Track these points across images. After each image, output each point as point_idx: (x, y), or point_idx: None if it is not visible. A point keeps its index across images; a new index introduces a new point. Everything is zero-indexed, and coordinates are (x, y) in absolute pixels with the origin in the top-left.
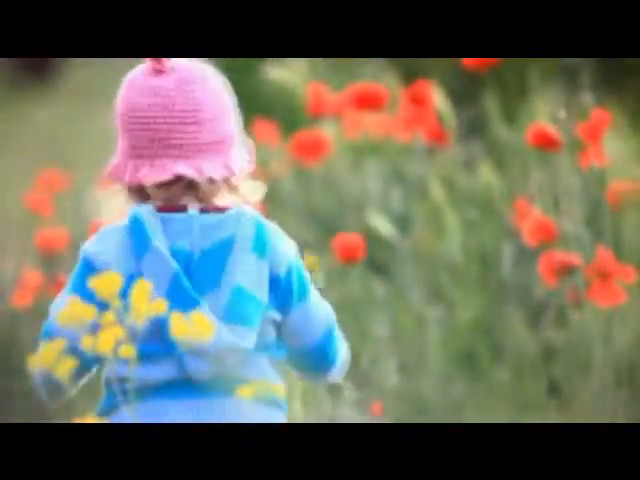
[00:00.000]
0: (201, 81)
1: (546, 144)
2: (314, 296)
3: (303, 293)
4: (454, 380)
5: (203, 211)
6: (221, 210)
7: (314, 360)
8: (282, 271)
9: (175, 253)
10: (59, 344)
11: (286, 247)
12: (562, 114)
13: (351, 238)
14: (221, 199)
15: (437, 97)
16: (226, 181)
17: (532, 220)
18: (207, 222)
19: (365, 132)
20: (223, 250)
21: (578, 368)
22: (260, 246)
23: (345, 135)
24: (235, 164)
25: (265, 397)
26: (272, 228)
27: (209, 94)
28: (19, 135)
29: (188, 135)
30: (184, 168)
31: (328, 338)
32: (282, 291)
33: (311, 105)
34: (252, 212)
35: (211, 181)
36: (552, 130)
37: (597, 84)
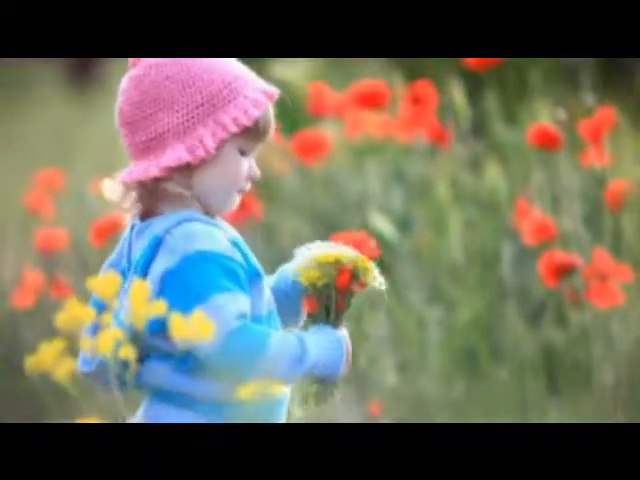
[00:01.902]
0: (125, 84)
1: (547, 143)
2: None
3: None
4: (454, 380)
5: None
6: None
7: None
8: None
9: None
10: (59, 344)
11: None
12: (562, 114)
13: (352, 236)
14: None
15: (453, 93)
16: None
17: (532, 220)
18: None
19: (366, 132)
20: None
21: (578, 368)
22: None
23: (346, 135)
24: (164, 162)
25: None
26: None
27: (127, 98)
28: (19, 135)
29: (125, 138)
30: (123, 172)
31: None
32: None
33: (312, 105)
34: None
35: (142, 184)
36: (553, 129)
37: (597, 84)
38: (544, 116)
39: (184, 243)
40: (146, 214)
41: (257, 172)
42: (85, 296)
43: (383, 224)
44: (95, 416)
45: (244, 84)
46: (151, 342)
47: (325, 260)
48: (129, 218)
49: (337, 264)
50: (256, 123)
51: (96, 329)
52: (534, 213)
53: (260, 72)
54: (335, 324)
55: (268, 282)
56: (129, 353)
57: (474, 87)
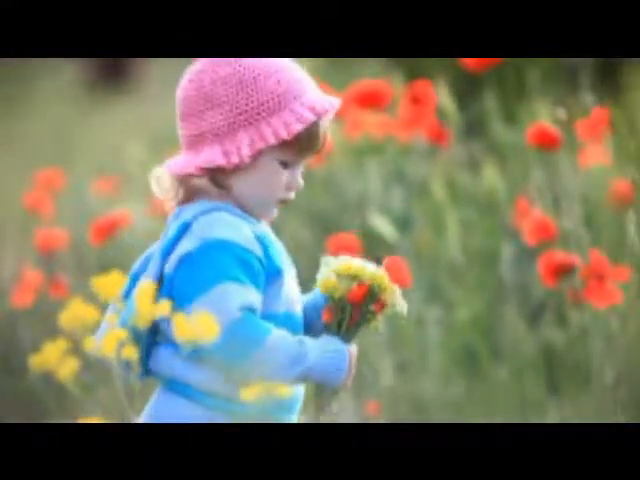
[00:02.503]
0: (186, 76)
1: (546, 143)
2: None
3: None
4: (453, 380)
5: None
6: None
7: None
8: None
9: None
10: (62, 344)
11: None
12: (561, 114)
13: (346, 238)
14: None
15: (442, 95)
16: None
17: (532, 220)
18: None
19: (366, 132)
20: None
21: (577, 368)
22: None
23: (346, 135)
24: (199, 161)
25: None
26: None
27: (184, 90)
28: (19, 135)
29: (179, 130)
30: (169, 161)
31: None
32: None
33: None
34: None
35: (182, 177)
36: (552, 129)
37: (597, 84)
38: (543, 116)
39: (206, 229)
40: (184, 204)
41: (300, 183)
42: (84, 296)
43: (383, 224)
44: (97, 416)
45: (295, 96)
46: (162, 326)
47: (344, 272)
48: (172, 206)
49: (355, 278)
50: (298, 137)
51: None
52: (534, 213)
53: None
54: (346, 338)
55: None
56: (132, 353)
57: (473, 87)
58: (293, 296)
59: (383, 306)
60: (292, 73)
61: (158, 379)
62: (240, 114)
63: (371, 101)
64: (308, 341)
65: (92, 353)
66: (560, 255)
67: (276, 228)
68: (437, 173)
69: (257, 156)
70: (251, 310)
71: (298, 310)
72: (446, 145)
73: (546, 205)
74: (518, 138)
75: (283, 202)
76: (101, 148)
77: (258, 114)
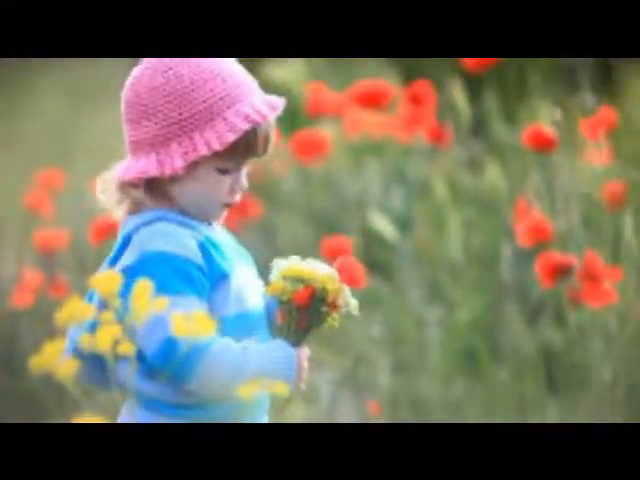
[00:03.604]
0: (129, 79)
1: (542, 145)
2: None
3: None
4: (453, 380)
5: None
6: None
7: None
8: None
9: None
10: (61, 344)
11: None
12: (558, 114)
13: (340, 240)
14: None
15: (453, 92)
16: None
17: (527, 221)
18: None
19: (366, 132)
20: None
21: (577, 368)
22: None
23: (346, 135)
24: (135, 169)
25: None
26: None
27: (125, 95)
28: (19, 134)
29: (124, 133)
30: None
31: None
32: None
33: (311, 105)
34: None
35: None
36: (547, 130)
37: (597, 84)
38: (543, 116)
39: (145, 242)
40: (132, 212)
41: (244, 185)
42: (84, 295)
43: (383, 224)
44: (96, 415)
45: (230, 104)
46: None
47: (289, 275)
48: (121, 215)
49: (302, 281)
50: (235, 146)
51: (93, 326)
52: (533, 213)
53: (260, 72)
54: (295, 341)
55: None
56: (129, 349)
57: (473, 87)
58: (246, 294)
59: (336, 307)
60: (231, 79)
61: (124, 392)
62: (174, 124)
63: (371, 101)
64: (253, 347)
65: (87, 350)
66: (556, 256)
67: (275, 228)
68: (438, 173)
69: (193, 166)
70: None
71: (254, 307)
72: (446, 145)
73: (545, 205)
74: (518, 138)
75: (228, 206)
76: (101, 148)
77: (192, 124)
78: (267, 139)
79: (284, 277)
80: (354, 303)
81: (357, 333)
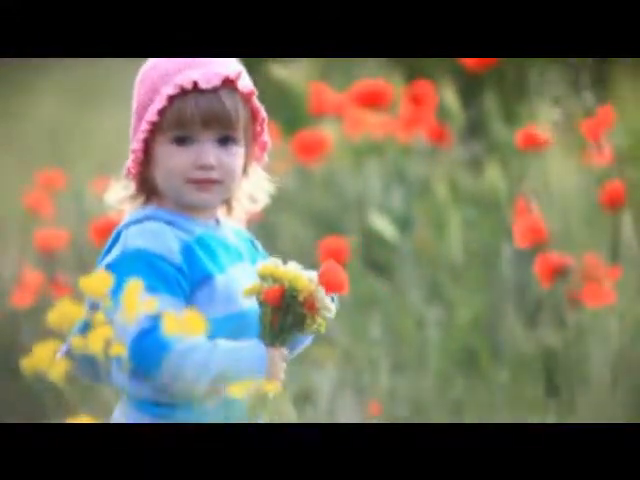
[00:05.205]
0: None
1: (534, 146)
2: None
3: None
4: (453, 380)
5: None
6: None
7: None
8: None
9: None
10: (53, 345)
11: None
12: (557, 115)
13: (337, 241)
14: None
15: (445, 95)
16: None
17: (524, 222)
18: None
19: (366, 132)
20: None
21: (577, 368)
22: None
23: (346, 135)
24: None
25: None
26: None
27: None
28: (18, 134)
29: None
30: None
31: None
32: None
33: (312, 104)
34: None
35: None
36: (540, 131)
37: (597, 84)
38: (543, 116)
39: (129, 239)
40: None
41: (210, 161)
42: (84, 296)
43: (383, 224)
44: (92, 416)
45: (167, 81)
46: None
47: (263, 274)
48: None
49: (276, 281)
50: (174, 112)
51: (85, 328)
52: (532, 214)
53: (260, 72)
54: (269, 341)
55: None
56: (121, 350)
57: (473, 87)
58: (238, 295)
59: (313, 309)
60: (180, 60)
61: (116, 390)
62: (134, 114)
63: (371, 101)
64: (223, 346)
65: (79, 351)
66: (554, 256)
67: (276, 228)
68: (438, 173)
69: (151, 148)
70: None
71: (248, 308)
72: (446, 145)
73: (544, 205)
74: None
75: (199, 182)
76: (101, 148)
77: (141, 107)
78: (210, 111)
79: (260, 277)
80: (331, 307)
81: (357, 333)
